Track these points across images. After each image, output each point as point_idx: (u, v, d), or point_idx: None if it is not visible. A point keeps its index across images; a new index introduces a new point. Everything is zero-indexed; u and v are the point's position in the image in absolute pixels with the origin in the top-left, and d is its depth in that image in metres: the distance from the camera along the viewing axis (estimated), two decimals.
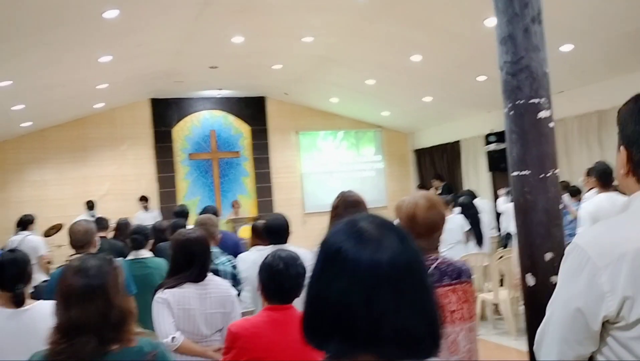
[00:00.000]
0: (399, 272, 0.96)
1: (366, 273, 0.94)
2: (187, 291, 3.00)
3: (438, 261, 2.20)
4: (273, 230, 3.90)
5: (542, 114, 1.89)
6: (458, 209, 6.97)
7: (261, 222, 4.78)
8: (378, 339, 0.94)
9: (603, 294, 1.23)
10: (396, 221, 2.16)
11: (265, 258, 2.52)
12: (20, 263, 2.82)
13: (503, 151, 10.62)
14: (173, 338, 2.96)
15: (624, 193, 1.47)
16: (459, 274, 2.21)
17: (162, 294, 3.01)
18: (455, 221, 6.70)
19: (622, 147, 1.37)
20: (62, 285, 1.89)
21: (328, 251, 1.00)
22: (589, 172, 5.61)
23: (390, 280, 0.94)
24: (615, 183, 4.55)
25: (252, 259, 3.86)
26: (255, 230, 4.70)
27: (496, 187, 11.37)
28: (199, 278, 3.04)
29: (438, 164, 13.18)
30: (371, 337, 0.93)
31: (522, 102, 1.89)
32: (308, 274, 1.05)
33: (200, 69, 10.02)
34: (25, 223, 8.06)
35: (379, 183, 13.88)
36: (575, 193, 7.38)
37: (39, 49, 6.81)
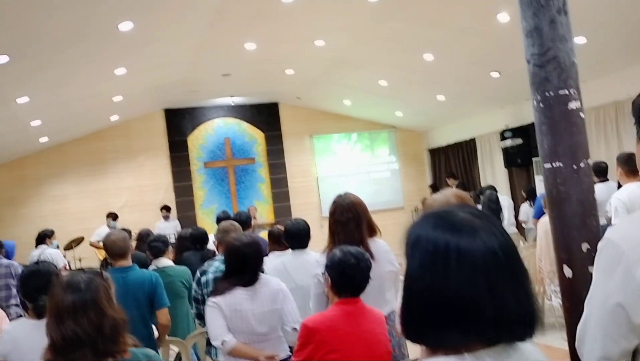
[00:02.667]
0: (510, 257, 1.00)
1: (484, 262, 0.97)
2: (237, 293, 3.04)
3: None
4: (293, 235, 3.92)
5: (572, 104, 1.88)
6: (479, 206, 6.97)
7: (278, 227, 4.81)
8: (502, 324, 0.97)
9: None
10: None
11: (334, 257, 2.60)
12: (44, 275, 2.86)
13: (519, 147, 10.65)
14: (223, 341, 3.00)
15: None
16: None
17: (213, 298, 3.06)
18: None
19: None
20: (53, 302, 1.89)
21: (433, 247, 1.01)
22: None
23: (506, 266, 0.99)
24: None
25: (272, 266, 3.88)
26: (272, 236, 4.72)
27: (513, 183, 11.31)
28: (249, 283, 3.08)
29: (453, 163, 13.13)
30: (496, 324, 0.97)
31: (551, 93, 1.88)
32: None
33: (214, 77, 10.08)
34: (43, 238, 8.19)
35: (394, 183, 13.85)
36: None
37: (56, 65, 6.91)
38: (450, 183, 11.74)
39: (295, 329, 3.05)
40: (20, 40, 5.76)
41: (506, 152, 10.96)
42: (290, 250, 4.44)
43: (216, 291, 3.10)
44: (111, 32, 6.42)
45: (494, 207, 6.99)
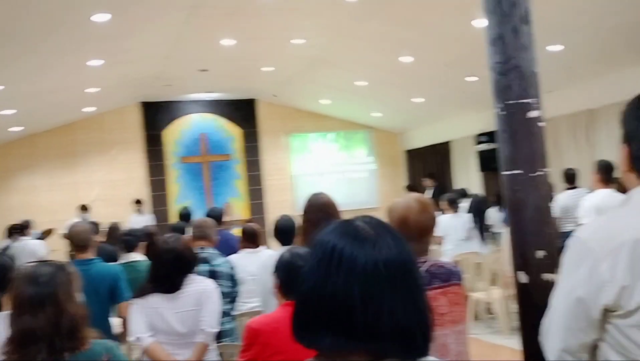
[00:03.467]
0: (394, 271, 0.99)
1: (363, 271, 0.97)
2: (156, 297, 2.98)
3: (429, 264, 2.21)
4: (282, 231, 3.93)
5: (532, 113, 1.90)
6: (465, 207, 7.10)
7: (250, 225, 4.81)
8: (374, 335, 0.96)
9: (603, 283, 1.27)
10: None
11: (282, 256, 2.53)
12: (1, 269, 2.82)
13: (494, 151, 10.63)
14: (138, 338, 2.94)
15: (623, 191, 1.52)
16: (449, 276, 2.23)
17: (134, 299, 3.04)
18: (460, 219, 6.86)
19: (624, 145, 1.42)
20: (14, 294, 1.87)
21: (323, 249, 1.02)
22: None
23: (386, 278, 0.98)
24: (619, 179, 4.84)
25: (261, 262, 3.87)
26: (245, 233, 4.72)
27: (487, 187, 11.44)
28: (169, 290, 2.99)
29: (429, 165, 13.23)
30: (367, 333, 0.96)
31: (512, 102, 1.91)
32: None
33: (190, 72, 10.01)
34: (22, 228, 8.06)
35: (370, 184, 13.91)
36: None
37: (31, 54, 6.79)
38: (426, 185, 11.84)
39: (203, 330, 2.99)
40: None
41: (481, 156, 11.10)
42: (263, 247, 4.44)
43: (136, 294, 3.05)
44: (86, 23, 6.32)
45: (482, 208, 7.13)
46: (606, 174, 4.76)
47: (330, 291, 0.98)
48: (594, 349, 1.37)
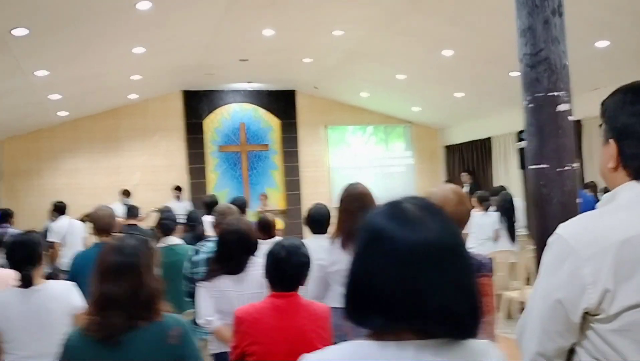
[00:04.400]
0: (442, 252, 1.00)
1: (411, 252, 0.98)
2: (223, 279, 3.06)
3: None
4: (314, 220, 3.96)
5: (561, 107, 1.87)
6: (494, 206, 6.96)
7: (266, 215, 4.87)
8: (421, 316, 0.98)
9: (585, 286, 1.21)
10: None
11: (271, 248, 2.57)
12: (30, 245, 2.93)
13: None
14: (207, 320, 3.04)
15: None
16: (479, 267, 2.21)
17: (201, 282, 3.12)
18: (488, 218, 6.73)
19: (611, 141, 1.33)
20: (99, 261, 2.02)
21: (371, 232, 1.03)
22: None
23: (434, 260, 0.99)
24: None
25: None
26: (259, 223, 4.78)
27: (527, 184, 11.19)
28: (236, 270, 3.07)
29: (468, 161, 13.04)
30: (414, 314, 0.98)
31: (541, 94, 1.88)
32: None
33: (231, 62, 10.11)
34: (63, 209, 8.36)
35: (408, 178, 13.80)
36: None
37: (75, 40, 6.99)
38: (464, 180, 11.71)
39: None
40: (40, 13, 5.83)
41: (522, 153, 10.86)
42: (275, 239, 4.49)
43: (205, 278, 3.13)
44: (130, 10, 6.47)
45: (509, 207, 6.95)
46: None
47: (378, 273, 0.99)
48: (570, 353, 1.31)
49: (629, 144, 1.30)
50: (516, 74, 8.14)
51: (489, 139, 12.31)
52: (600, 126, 1.38)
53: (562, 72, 1.88)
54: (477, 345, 1.06)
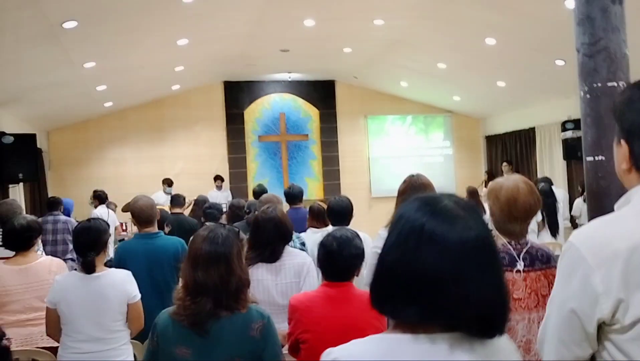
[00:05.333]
0: (483, 250, 1.02)
1: (454, 249, 1.00)
2: (259, 267, 3.09)
3: (528, 245, 2.19)
4: (335, 212, 3.96)
5: None
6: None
7: (319, 204, 4.86)
8: (457, 311, 1.00)
9: (597, 296, 1.17)
10: (488, 202, 2.16)
11: (324, 239, 2.59)
12: (94, 232, 3.02)
13: (580, 138, 10.20)
14: None
15: None
16: (548, 259, 2.19)
17: None
18: None
19: (622, 141, 1.29)
20: (192, 249, 2.09)
21: (411, 225, 1.05)
22: None
23: (475, 257, 1.01)
24: None
25: (313, 239, 3.94)
26: (311, 212, 4.79)
27: (571, 176, 10.94)
28: (271, 258, 3.09)
29: (510, 151, 12.81)
30: (451, 308, 1.00)
31: (599, 85, 1.84)
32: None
33: (272, 53, 10.17)
34: (103, 198, 8.63)
35: (447, 169, 13.65)
36: None
37: (122, 32, 7.15)
38: (505, 170, 11.53)
39: None
40: (88, 6, 5.99)
41: (566, 144, 10.60)
42: (330, 227, 4.50)
43: None
44: (174, 2, 6.58)
45: (548, 201, 6.77)
46: None
47: (420, 267, 1.01)
48: None
49: (639, 144, 1.25)
50: (561, 62, 7.95)
51: (532, 129, 12.05)
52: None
53: (622, 61, 1.83)
54: (501, 341, 1.07)
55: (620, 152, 1.30)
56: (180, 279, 2.11)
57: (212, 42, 8.92)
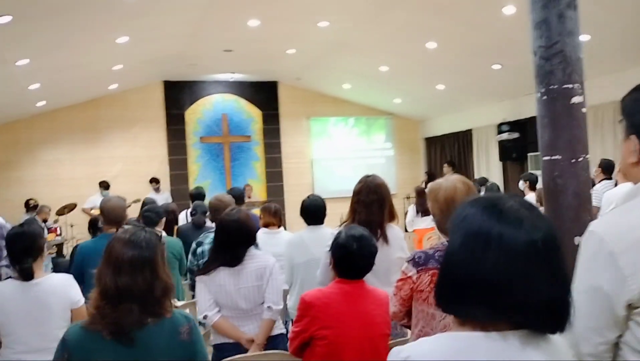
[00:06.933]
0: (551, 250, 1.05)
1: (524, 251, 1.02)
2: (221, 271, 3.04)
3: None
4: (309, 211, 3.95)
5: (575, 99, 1.91)
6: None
7: (271, 204, 4.85)
8: (523, 309, 1.02)
9: (624, 277, 1.24)
10: (428, 203, 2.18)
11: (338, 238, 2.58)
12: (29, 237, 2.87)
13: (515, 140, 10.70)
14: (205, 316, 3.02)
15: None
16: None
17: (199, 276, 3.11)
18: None
19: (632, 137, 1.37)
20: (112, 254, 1.96)
21: (477, 229, 1.06)
22: (600, 165, 6.45)
23: (542, 257, 1.03)
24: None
25: (288, 239, 3.92)
26: (267, 211, 4.76)
27: (507, 177, 11.36)
28: (234, 261, 3.05)
29: (449, 153, 13.18)
30: (518, 308, 1.02)
31: (555, 87, 1.91)
32: None
33: (215, 53, 10.02)
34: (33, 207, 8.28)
35: (389, 170, 13.86)
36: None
37: (58, 28, 6.84)
38: (446, 171, 11.83)
39: (269, 308, 3.04)
40: (23, 1, 5.69)
41: (502, 145, 11.02)
42: (281, 228, 4.48)
43: (202, 270, 3.12)
44: None
45: None
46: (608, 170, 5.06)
47: (490, 270, 1.02)
48: (616, 346, 1.32)
49: None
50: (498, 66, 8.22)
51: (469, 131, 12.44)
52: (620, 122, 1.42)
53: (577, 64, 1.91)
54: (557, 338, 1.10)
55: (629, 147, 1.38)
56: (95, 286, 1.96)
57: (153, 40, 8.69)
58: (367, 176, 3.32)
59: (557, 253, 1.06)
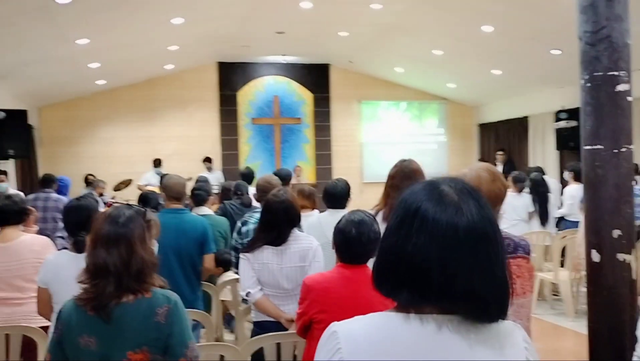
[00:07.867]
0: (474, 237, 1.01)
1: (444, 234, 1.00)
2: (266, 250, 3.09)
3: None
4: (329, 194, 3.93)
5: (621, 87, 1.82)
6: (527, 188, 6.81)
7: (305, 187, 4.84)
8: (447, 296, 1.01)
9: None
10: None
11: (339, 222, 2.57)
12: (84, 210, 2.97)
13: (573, 128, 10.31)
14: (248, 293, 3.08)
15: None
16: (515, 248, 2.18)
17: (244, 253, 3.16)
18: (521, 199, 6.62)
19: None
20: (93, 229, 2.02)
21: (407, 209, 1.05)
22: None
23: (465, 244, 1.00)
24: None
25: (308, 222, 3.93)
26: (301, 194, 4.76)
27: (563, 166, 10.99)
28: (278, 241, 3.09)
29: (503, 140, 12.83)
30: (441, 294, 1.01)
31: (600, 73, 1.83)
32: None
33: (267, 34, 10.08)
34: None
35: (440, 156, 13.67)
36: None
37: (117, 9, 7.04)
38: (498, 159, 11.58)
39: None
40: None
41: (559, 133, 10.64)
42: (316, 211, 4.49)
43: (247, 248, 3.18)
44: None
45: (540, 190, 6.80)
46: None
47: (410, 251, 1.01)
48: None
49: None
50: (557, 52, 7.93)
51: (526, 118, 12.07)
52: None
53: (623, 50, 1.82)
54: (502, 326, 1.07)
55: None
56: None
57: (208, 21, 8.82)
58: (403, 161, 3.27)
59: (485, 244, 1.02)
